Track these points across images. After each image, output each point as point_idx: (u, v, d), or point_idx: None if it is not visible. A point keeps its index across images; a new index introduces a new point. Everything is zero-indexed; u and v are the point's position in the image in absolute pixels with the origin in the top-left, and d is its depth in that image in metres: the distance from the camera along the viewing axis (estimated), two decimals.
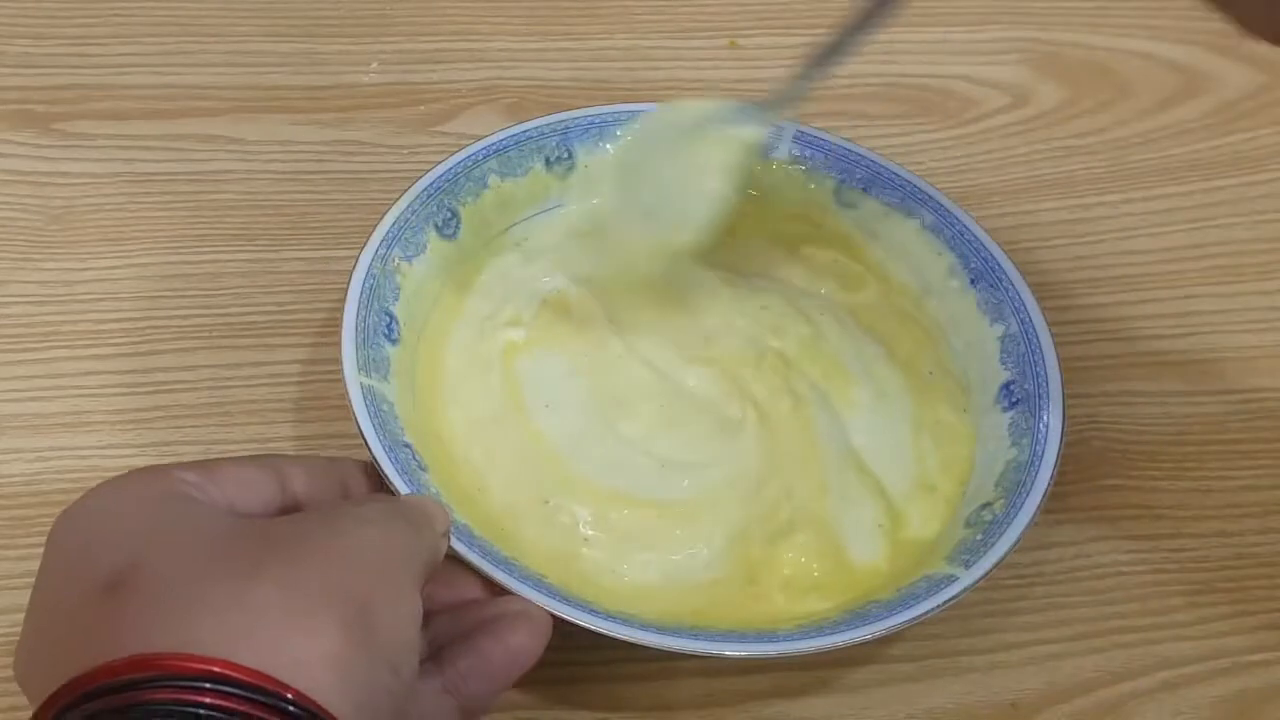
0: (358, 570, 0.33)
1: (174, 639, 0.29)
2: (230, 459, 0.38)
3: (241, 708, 0.29)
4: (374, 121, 0.59)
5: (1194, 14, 0.69)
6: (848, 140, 0.53)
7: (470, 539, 0.41)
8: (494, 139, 0.51)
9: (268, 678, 0.29)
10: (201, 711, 0.28)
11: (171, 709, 0.28)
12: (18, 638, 0.40)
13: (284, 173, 0.57)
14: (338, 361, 0.44)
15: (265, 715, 0.29)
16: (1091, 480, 0.50)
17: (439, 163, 0.50)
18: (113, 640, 0.30)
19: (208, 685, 0.29)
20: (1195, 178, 0.61)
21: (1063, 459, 0.45)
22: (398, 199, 0.49)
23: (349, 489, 0.40)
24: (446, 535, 0.38)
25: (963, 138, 0.62)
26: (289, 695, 0.29)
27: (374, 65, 0.62)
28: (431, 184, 0.50)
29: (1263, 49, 0.67)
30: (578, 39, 0.64)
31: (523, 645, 0.38)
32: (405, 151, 0.58)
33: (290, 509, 0.38)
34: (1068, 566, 0.48)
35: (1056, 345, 0.48)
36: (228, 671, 0.29)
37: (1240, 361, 0.55)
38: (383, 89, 0.61)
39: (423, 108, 0.60)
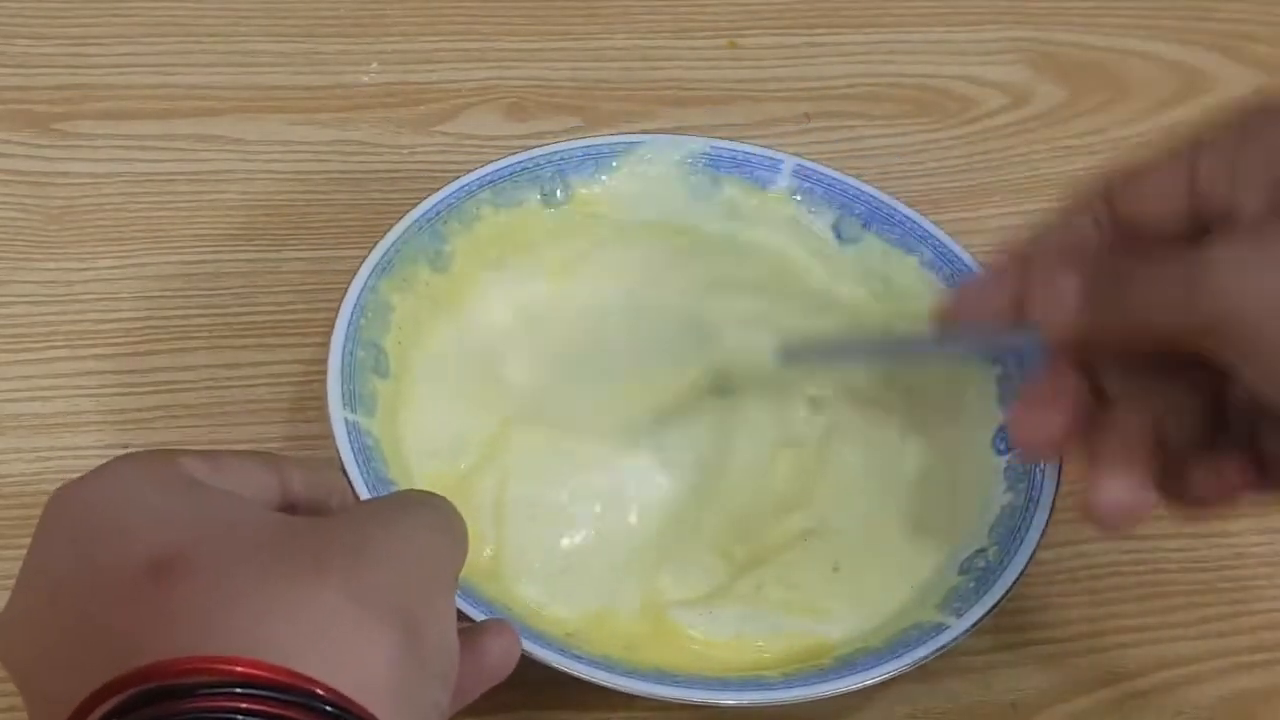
0: (414, 579, 0.32)
1: (236, 641, 0.28)
2: (233, 451, 0.37)
3: (275, 710, 0.27)
4: (374, 121, 0.59)
5: (1194, 14, 0.69)
6: (848, 175, 0.52)
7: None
8: (488, 170, 0.50)
9: (299, 675, 0.28)
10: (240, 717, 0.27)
11: (222, 716, 0.27)
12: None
13: (284, 173, 0.57)
14: None
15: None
16: None
17: (430, 194, 0.49)
18: (161, 634, 0.29)
19: (238, 690, 0.27)
20: None
21: (1062, 458, 0.45)
22: (387, 231, 0.48)
23: (339, 497, 0.39)
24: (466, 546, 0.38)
25: (963, 138, 0.62)
26: (320, 692, 0.28)
27: (374, 65, 0.62)
28: (423, 214, 0.49)
29: (1263, 49, 0.68)
30: (578, 39, 0.64)
31: (493, 666, 0.37)
32: (405, 151, 0.58)
33: (287, 510, 0.37)
34: (1068, 566, 0.48)
35: None
36: (274, 677, 0.28)
37: None
38: (383, 89, 0.61)
39: (423, 108, 0.60)
